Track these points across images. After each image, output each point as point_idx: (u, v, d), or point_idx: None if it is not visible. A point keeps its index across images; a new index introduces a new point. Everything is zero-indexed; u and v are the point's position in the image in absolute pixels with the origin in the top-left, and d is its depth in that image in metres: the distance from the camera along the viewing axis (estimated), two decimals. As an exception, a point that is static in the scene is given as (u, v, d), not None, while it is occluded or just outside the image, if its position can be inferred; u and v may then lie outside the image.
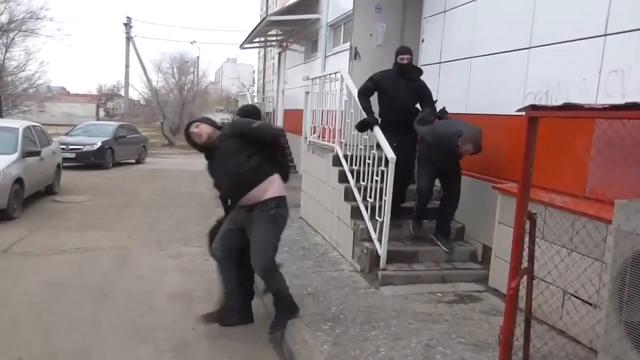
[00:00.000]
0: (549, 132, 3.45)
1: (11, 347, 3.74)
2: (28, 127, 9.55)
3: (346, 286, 4.95)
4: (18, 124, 9.63)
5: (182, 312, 4.55)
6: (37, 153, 9.07)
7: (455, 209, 5.49)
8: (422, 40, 6.83)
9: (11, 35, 19.52)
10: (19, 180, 8.23)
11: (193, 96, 37.61)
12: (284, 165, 4.05)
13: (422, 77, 5.71)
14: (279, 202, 3.82)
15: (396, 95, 5.54)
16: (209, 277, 5.51)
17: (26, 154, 8.69)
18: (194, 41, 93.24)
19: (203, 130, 3.89)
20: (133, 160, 18.03)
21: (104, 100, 49.23)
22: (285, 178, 4.02)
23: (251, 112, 4.54)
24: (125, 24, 30.24)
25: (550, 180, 4.32)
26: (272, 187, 3.80)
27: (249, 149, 3.75)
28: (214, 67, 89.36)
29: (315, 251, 6.22)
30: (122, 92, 37.37)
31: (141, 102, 40.31)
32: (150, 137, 25.29)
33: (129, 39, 30.42)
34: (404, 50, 5.62)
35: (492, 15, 5.46)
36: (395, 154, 4.99)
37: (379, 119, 5.62)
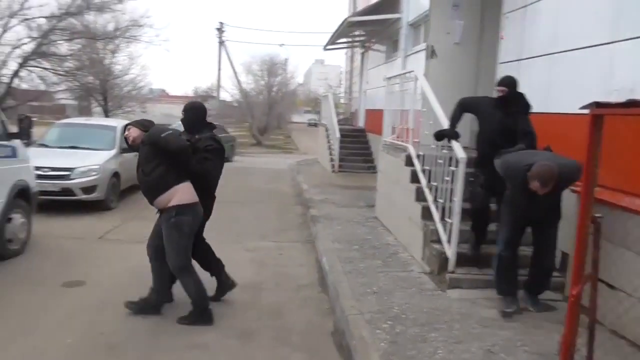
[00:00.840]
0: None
1: (96, 324, 4.12)
2: (123, 127, 10.38)
3: (412, 287, 4.90)
4: (116, 122, 10.51)
5: (249, 303, 4.76)
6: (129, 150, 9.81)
7: (551, 261, 4.53)
8: (502, 37, 6.58)
9: (117, 42, 21.20)
10: (116, 174, 8.98)
11: (281, 97, 38.72)
12: (200, 173, 4.20)
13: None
14: (181, 210, 3.99)
15: (487, 128, 4.97)
16: (279, 271, 5.72)
17: (123, 150, 9.44)
18: (283, 44, 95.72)
19: (130, 134, 4.20)
20: (222, 159, 18.87)
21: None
22: (202, 184, 4.21)
23: (196, 108, 4.57)
24: (218, 29, 31.81)
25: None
26: (176, 195, 3.99)
27: (157, 159, 3.97)
28: (302, 68, 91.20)
29: (385, 251, 6.20)
30: (216, 94, 39.25)
31: (233, 103, 42.07)
32: (240, 137, 26.44)
33: (221, 43, 31.95)
34: (500, 81, 4.93)
35: (576, 8, 5.14)
36: (480, 192, 4.90)
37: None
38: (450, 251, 4.93)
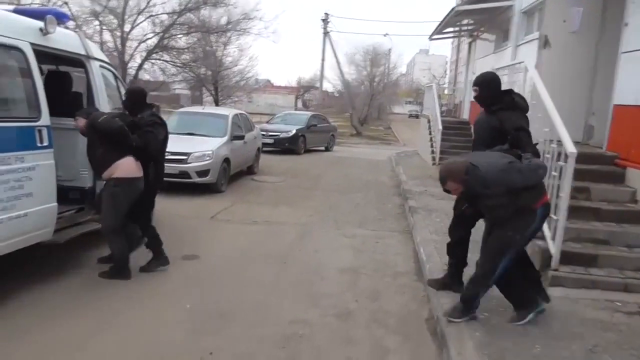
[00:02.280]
0: None
1: (207, 294, 4.56)
2: (236, 115, 11.09)
3: (512, 282, 4.82)
4: (228, 111, 11.24)
5: (348, 285, 4.97)
6: (242, 137, 10.48)
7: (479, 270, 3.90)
8: (626, 24, 6.13)
9: (228, 34, 22.44)
10: (226, 160, 9.64)
11: (383, 88, 38.61)
12: (141, 146, 4.76)
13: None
14: (118, 183, 4.63)
15: (476, 131, 4.60)
16: (377, 258, 5.88)
17: (233, 137, 10.10)
18: (387, 34, 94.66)
19: (78, 123, 4.72)
20: (322, 148, 19.38)
21: (302, 92, 53.32)
22: (147, 155, 4.84)
23: (135, 92, 5.20)
24: (323, 20, 32.36)
25: None
26: (117, 170, 4.62)
27: (97, 141, 4.62)
28: (406, 58, 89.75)
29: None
30: (318, 84, 40.07)
31: (334, 93, 42.70)
32: (340, 127, 26.81)
33: (325, 33, 32.48)
34: (474, 80, 4.53)
35: None
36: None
37: None
38: (555, 248, 4.77)
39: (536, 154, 3.96)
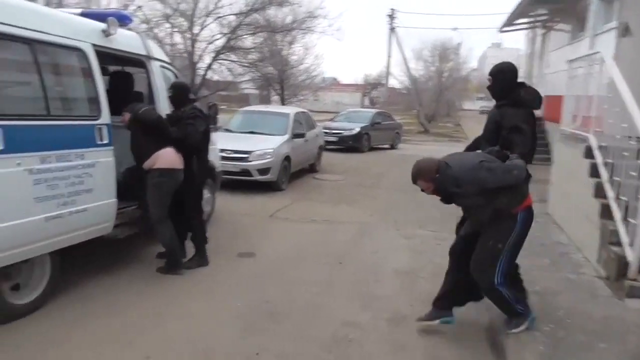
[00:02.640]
0: None
1: (259, 292, 4.55)
2: (298, 113, 11.14)
3: (582, 291, 4.45)
4: (290, 110, 11.31)
5: (404, 288, 4.80)
6: (303, 135, 10.50)
7: None
8: None
9: (293, 33, 22.59)
10: (287, 158, 9.69)
11: (452, 83, 37.50)
12: (180, 137, 4.85)
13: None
14: (161, 173, 4.71)
15: (483, 131, 4.25)
16: (436, 260, 5.63)
17: (294, 135, 10.13)
18: (456, 28, 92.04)
19: (124, 118, 4.80)
20: (387, 146, 19.09)
21: (369, 89, 52.88)
22: (187, 148, 4.90)
23: (177, 87, 5.19)
24: (389, 16, 31.87)
25: None
26: (158, 161, 4.72)
27: (138, 132, 4.75)
28: (477, 52, 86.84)
29: (554, 250, 5.71)
30: (385, 81, 39.53)
31: (401, 90, 41.97)
32: (407, 125, 26.36)
33: (391, 29, 31.99)
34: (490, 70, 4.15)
35: None
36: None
37: None
38: (633, 255, 4.35)
39: (523, 156, 3.58)
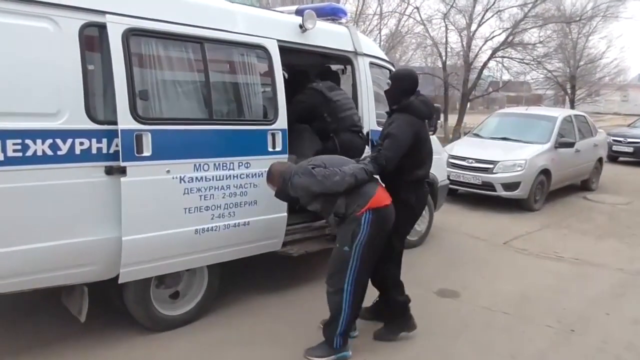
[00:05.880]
0: None
1: (441, 355, 3.45)
2: (568, 117, 9.03)
3: None
4: (558, 112, 9.27)
5: None
6: (571, 144, 8.41)
7: None
8: None
9: (593, 22, 19.17)
10: (545, 171, 7.89)
11: None
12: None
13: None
14: None
15: None
16: None
17: (559, 144, 8.20)
18: None
19: None
20: None
21: None
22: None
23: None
24: None
25: None
26: None
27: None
28: None
29: None
30: None
31: None
32: None
33: None
34: None
35: None
36: None
37: None
38: None
39: (376, 160, 3.37)
